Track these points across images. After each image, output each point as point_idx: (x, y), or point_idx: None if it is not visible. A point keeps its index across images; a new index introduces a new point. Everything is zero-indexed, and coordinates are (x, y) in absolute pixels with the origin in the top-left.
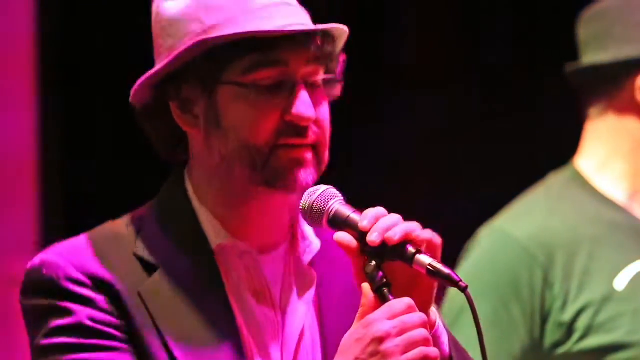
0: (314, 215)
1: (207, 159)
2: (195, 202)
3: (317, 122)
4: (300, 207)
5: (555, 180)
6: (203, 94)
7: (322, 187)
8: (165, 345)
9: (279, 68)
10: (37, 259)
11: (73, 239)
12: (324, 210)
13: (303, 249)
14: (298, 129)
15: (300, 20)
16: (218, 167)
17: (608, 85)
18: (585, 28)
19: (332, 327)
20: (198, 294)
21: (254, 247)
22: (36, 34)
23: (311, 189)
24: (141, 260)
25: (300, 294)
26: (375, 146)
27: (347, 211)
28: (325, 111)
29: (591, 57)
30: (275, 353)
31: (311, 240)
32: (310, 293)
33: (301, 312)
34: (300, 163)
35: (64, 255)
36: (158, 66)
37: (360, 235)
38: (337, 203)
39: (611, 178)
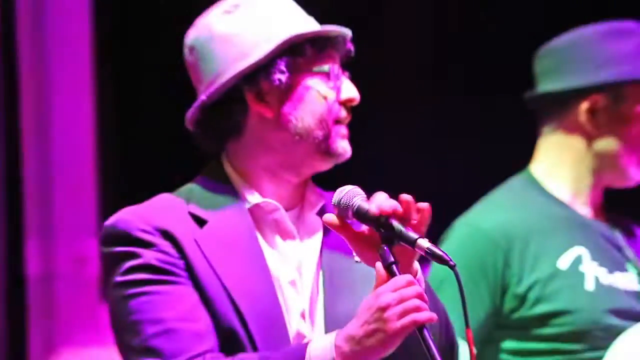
0: (342, 209)
1: (272, 137)
2: (235, 177)
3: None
4: (332, 202)
5: (514, 182)
6: (277, 84)
7: (349, 187)
8: (218, 278)
9: (330, 60)
10: (113, 218)
11: (138, 205)
12: (349, 205)
13: (312, 207)
14: (348, 108)
15: (322, 26)
16: (283, 142)
17: (558, 109)
18: (541, 62)
19: (333, 262)
20: (238, 239)
21: (282, 205)
22: (92, 33)
23: (340, 188)
24: (194, 216)
25: (313, 237)
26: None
27: (366, 206)
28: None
29: (545, 86)
30: (295, 281)
31: (316, 202)
32: (318, 234)
33: (314, 244)
34: (346, 137)
35: (134, 214)
36: (242, 67)
37: (376, 224)
38: (359, 199)
39: (558, 182)
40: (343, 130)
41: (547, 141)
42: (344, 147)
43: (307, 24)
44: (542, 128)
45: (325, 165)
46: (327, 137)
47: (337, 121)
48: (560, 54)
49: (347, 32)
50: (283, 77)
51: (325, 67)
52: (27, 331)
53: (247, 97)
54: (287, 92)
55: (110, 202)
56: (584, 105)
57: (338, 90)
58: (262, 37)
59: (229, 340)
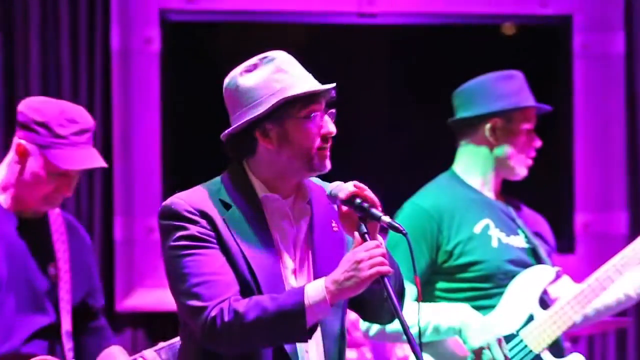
0: (332, 198)
1: (274, 158)
2: (251, 176)
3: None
4: (327, 193)
5: (442, 177)
6: (277, 126)
7: (338, 182)
8: (238, 247)
9: (316, 107)
10: (168, 201)
11: (186, 191)
12: (337, 195)
13: (304, 198)
14: (327, 138)
15: (317, 83)
16: (281, 162)
17: (470, 128)
18: (457, 98)
19: (317, 235)
20: (252, 220)
21: (282, 196)
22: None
23: (333, 183)
24: (223, 202)
25: (303, 219)
26: None
27: (342, 195)
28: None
29: (461, 114)
30: (290, 249)
31: (308, 194)
32: (307, 217)
33: (303, 225)
34: (327, 157)
35: (182, 198)
36: (251, 117)
37: (354, 207)
38: (342, 192)
39: (471, 176)
40: (324, 153)
41: (463, 150)
42: (324, 164)
43: (303, 83)
44: (460, 141)
45: (310, 176)
46: (310, 160)
47: (320, 148)
48: (470, 92)
49: (330, 88)
50: (279, 123)
51: (310, 115)
52: (114, 278)
53: (256, 135)
54: (283, 132)
55: (169, 190)
56: (487, 125)
57: (319, 128)
58: (268, 92)
59: (245, 290)
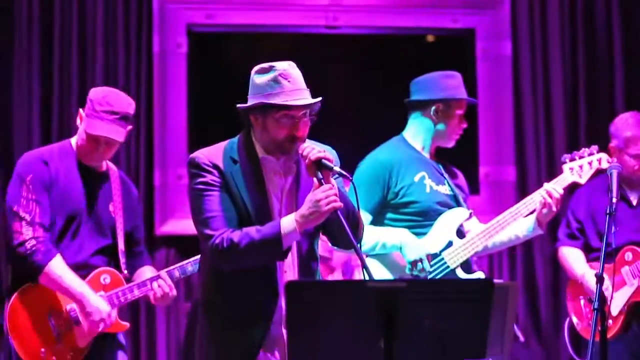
0: (303, 157)
1: (261, 137)
2: (255, 142)
3: (302, 136)
4: (299, 152)
5: (394, 140)
6: (261, 117)
7: (307, 143)
8: (239, 193)
9: (289, 113)
10: (193, 154)
11: (207, 147)
12: (305, 155)
13: (291, 159)
14: (294, 138)
15: (305, 97)
16: (265, 140)
17: (420, 107)
18: (414, 85)
19: (300, 186)
20: (252, 174)
21: (275, 158)
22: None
23: (303, 144)
24: (232, 159)
25: (290, 174)
26: None
27: (312, 156)
28: (306, 129)
29: (415, 97)
30: (279, 195)
31: (293, 156)
32: (293, 173)
33: (289, 179)
34: (294, 147)
35: (202, 154)
36: (247, 105)
37: (314, 162)
38: (314, 152)
39: (416, 141)
40: (291, 146)
41: (413, 122)
42: (292, 150)
43: (286, 95)
44: (410, 115)
45: (283, 155)
46: (280, 146)
47: (287, 141)
48: (423, 82)
49: (301, 105)
50: (263, 116)
51: (281, 119)
52: (154, 212)
53: (250, 116)
54: (264, 123)
55: (192, 149)
56: (433, 107)
57: (288, 128)
58: (262, 92)
59: (242, 224)
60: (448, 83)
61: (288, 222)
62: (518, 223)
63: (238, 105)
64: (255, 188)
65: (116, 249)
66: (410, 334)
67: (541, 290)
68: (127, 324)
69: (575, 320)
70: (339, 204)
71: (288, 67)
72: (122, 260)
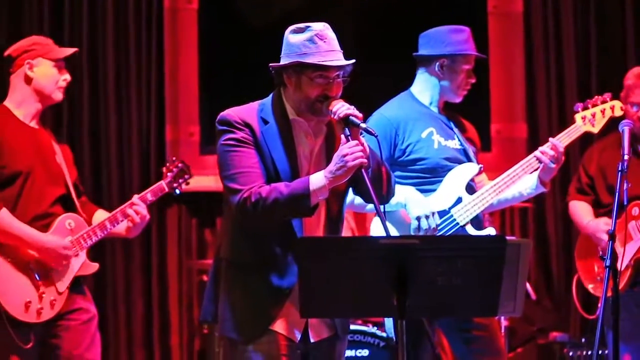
0: (333, 114)
1: (293, 96)
2: (286, 103)
3: (335, 96)
4: (329, 109)
5: (402, 95)
6: (295, 76)
7: (338, 101)
8: (269, 151)
9: (323, 74)
10: (224, 112)
11: (238, 106)
12: (335, 112)
13: (322, 121)
14: (327, 96)
15: (339, 58)
16: (297, 100)
17: (426, 62)
18: (422, 39)
19: (333, 147)
20: (282, 134)
21: (306, 120)
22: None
23: (334, 102)
24: (262, 118)
25: (320, 136)
26: None
27: (341, 112)
28: (338, 90)
29: (422, 51)
30: (308, 156)
31: (323, 118)
32: (323, 134)
33: (320, 140)
34: (323, 105)
35: (234, 112)
36: (281, 64)
37: (343, 119)
38: (343, 109)
39: (423, 96)
40: (321, 106)
41: (419, 77)
42: (322, 111)
43: (321, 56)
44: (418, 70)
45: (314, 117)
46: (311, 106)
47: (318, 100)
48: (430, 36)
49: (335, 66)
50: (297, 75)
51: (315, 78)
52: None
53: (284, 75)
54: (297, 81)
55: (202, 107)
56: (438, 62)
57: (321, 87)
58: (298, 52)
59: (269, 182)
60: (454, 38)
61: (317, 178)
62: (522, 180)
63: (271, 65)
64: (285, 148)
65: (72, 196)
66: (423, 290)
67: (553, 247)
68: (96, 264)
69: (583, 278)
70: (364, 160)
71: (324, 28)
72: (78, 205)
